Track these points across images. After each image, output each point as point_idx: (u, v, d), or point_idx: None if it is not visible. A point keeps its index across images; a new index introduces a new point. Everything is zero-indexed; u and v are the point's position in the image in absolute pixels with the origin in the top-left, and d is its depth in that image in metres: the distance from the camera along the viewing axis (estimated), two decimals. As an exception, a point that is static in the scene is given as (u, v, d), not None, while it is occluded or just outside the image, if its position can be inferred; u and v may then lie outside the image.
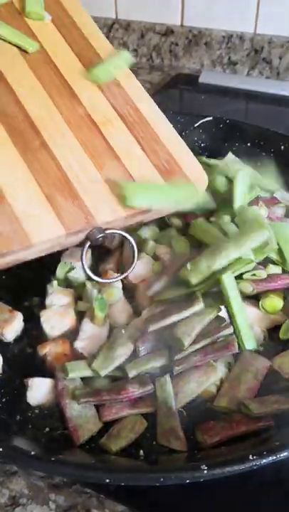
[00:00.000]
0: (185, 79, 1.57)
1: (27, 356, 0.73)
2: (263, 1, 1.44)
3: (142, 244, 0.82)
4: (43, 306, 0.77)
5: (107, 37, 0.86)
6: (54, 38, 0.82)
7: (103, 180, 0.70)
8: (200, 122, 1.07)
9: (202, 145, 1.08)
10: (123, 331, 0.70)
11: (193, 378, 0.65)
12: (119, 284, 0.77)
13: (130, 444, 0.61)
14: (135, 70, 0.84)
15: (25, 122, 0.72)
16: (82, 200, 0.68)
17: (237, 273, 0.72)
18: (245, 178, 0.84)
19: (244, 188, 0.83)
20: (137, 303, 0.77)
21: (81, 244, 0.70)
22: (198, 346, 0.66)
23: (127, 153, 0.74)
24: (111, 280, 0.75)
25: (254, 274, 0.73)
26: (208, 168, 0.86)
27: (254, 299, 0.74)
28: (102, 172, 0.71)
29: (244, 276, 0.73)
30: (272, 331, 0.73)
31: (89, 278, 0.73)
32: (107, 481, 0.52)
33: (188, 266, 0.72)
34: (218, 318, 0.69)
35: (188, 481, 0.52)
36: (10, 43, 0.79)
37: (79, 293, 0.79)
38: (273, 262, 0.76)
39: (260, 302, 0.73)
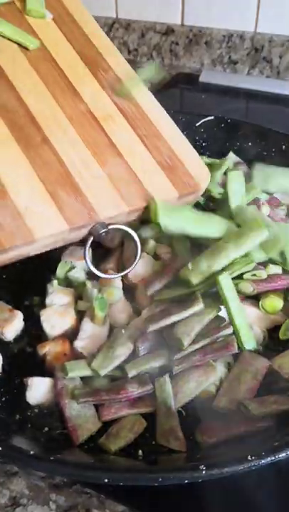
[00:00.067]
0: (185, 78, 1.57)
1: (27, 355, 0.73)
2: (264, 0, 1.44)
3: (142, 243, 0.82)
4: (43, 305, 0.77)
5: (108, 36, 0.86)
6: (55, 36, 0.82)
7: (106, 176, 0.71)
8: (201, 122, 1.07)
9: (203, 144, 1.08)
10: (123, 331, 0.70)
11: (193, 378, 0.65)
12: (120, 284, 0.77)
13: (129, 444, 0.61)
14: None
15: (26, 118, 0.72)
16: (85, 195, 0.68)
17: (237, 273, 0.72)
18: (239, 177, 0.84)
19: (239, 187, 0.82)
20: (137, 303, 0.77)
21: (84, 240, 0.69)
22: (197, 346, 0.66)
23: (129, 150, 0.74)
24: (114, 276, 0.75)
25: (254, 275, 0.73)
26: (209, 167, 0.86)
27: (254, 299, 0.74)
28: (105, 168, 0.71)
29: (244, 276, 0.73)
30: (272, 331, 0.73)
31: (91, 276, 0.73)
32: (106, 480, 0.52)
33: (190, 266, 0.72)
34: (218, 318, 0.69)
35: (186, 481, 0.52)
36: (10, 40, 0.79)
37: (79, 292, 0.79)
38: (274, 262, 0.76)
39: (260, 302, 0.73)
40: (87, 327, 0.73)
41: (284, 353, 0.69)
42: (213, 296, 0.71)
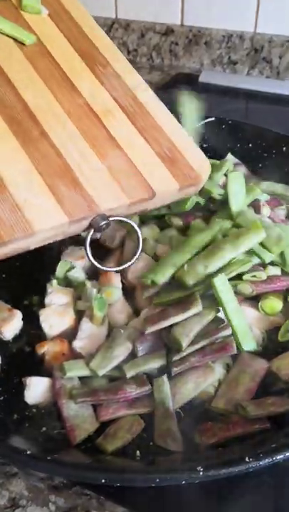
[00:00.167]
0: (185, 78, 1.57)
1: (25, 355, 0.73)
2: (263, 1, 1.44)
3: (142, 243, 0.82)
4: (42, 305, 0.77)
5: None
6: (51, 32, 0.82)
7: (106, 168, 0.70)
8: (202, 123, 1.07)
9: (204, 145, 1.07)
10: (122, 331, 0.70)
11: (191, 379, 0.65)
12: (119, 284, 0.77)
13: (127, 445, 0.61)
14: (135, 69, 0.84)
15: (24, 113, 0.72)
16: (85, 188, 0.68)
17: (234, 274, 0.72)
18: (240, 178, 0.84)
19: (239, 189, 0.82)
20: (136, 303, 0.77)
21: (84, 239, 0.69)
22: (196, 347, 0.66)
23: (128, 143, 0.74)
24: (114, 269, 0.75)
25: (254, 276, 0.73)
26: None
27: (253, 300, 0.74)
28: (105, 161, 0.71)
29: (244, 277, 0.73)
30: (272, 332, 0.73)
31: (90, 276, 0.72)
32: (103, 481, 0.52)
33: (186, 267, 0.72)
34: (217, 319, 0.69)
35: (184, 482, 0.52)
36: (7, 35, 0.79)
37: (78, 292, 0.79)
38: (273, 264, 0.76)
39: (259, 303, 0.73)
40: (86, 327, 0.73)
41: (283, 354, 0.69)
42: (212, 297, 0.70)
